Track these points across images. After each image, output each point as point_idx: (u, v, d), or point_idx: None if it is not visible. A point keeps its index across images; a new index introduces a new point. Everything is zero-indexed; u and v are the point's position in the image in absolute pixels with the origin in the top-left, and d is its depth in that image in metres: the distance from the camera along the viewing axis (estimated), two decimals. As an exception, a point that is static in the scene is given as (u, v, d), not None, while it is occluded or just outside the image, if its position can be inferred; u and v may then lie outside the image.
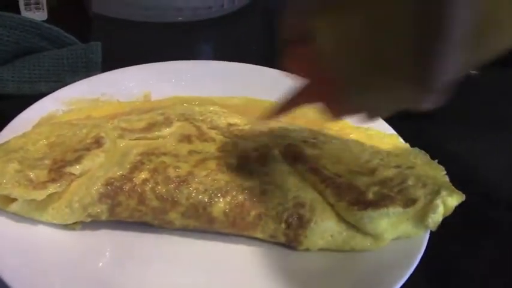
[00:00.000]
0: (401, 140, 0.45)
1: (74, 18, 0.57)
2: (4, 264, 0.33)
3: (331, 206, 0.37)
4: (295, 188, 0.37)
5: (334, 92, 0.29)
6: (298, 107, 0.34)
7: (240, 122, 0.44)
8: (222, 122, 0.44)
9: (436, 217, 0.35)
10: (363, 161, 0.40)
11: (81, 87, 0.47)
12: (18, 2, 0.51)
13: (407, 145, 0.44)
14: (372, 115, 0.31)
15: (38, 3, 0.51)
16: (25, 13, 0.51)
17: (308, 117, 0.48)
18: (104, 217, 0.36)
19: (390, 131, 0.46)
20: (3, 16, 0.50)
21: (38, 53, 0.52)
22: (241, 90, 0.50)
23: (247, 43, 0.69)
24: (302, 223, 0.36)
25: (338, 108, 0.31)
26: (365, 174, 0.38)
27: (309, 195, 0.37)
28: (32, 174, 0.35)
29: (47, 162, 0.37)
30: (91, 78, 0.49)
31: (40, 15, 0.52)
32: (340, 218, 0.36)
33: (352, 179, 0.38)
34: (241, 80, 0.51)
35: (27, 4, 0.51)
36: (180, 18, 0.67)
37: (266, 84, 0.51)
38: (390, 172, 0.38)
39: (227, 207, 0.36)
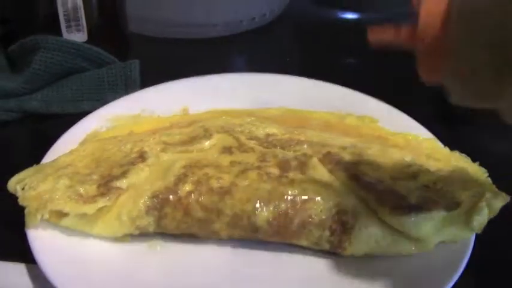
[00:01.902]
0: (440, 143, 0.45)
1: (112, 38, 0.59)
2: (58, 275, 0.34)
3: (374, 211, 0.37)
4: (337, 195, 0.38)
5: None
6: (393, 42, 0.33)
7: (278, 132, 0.45)
8: (260, 132, 0.44)
9: (481, 219, 0.35)
10: (403, 166, 0.40)
11: (123, 104, 0.49)
12: (59, 24, 0.52)
13: (447, 149, 0.44)
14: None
15: (78, 25, 0.53)
16: (66, 35, 0.53)
17: (345, 125, 0.48)
18: (151, 229, 0.37)
19: (428, 135, 0.46)
20: (46, 39, 0.52)
21: (80, 73, 0.54)
22: (277, 101, 0.51)
23: (280, 55, 0.69)
24: (346, 229, 0.36)
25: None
26: (406, 179, 0.38)
27: (351, 201, 0.37)
28: (82, 189, 0.37)
29: (95, 177, 0.38)
30: (131, 95, 0.51)
31: (80, 36, 0.54)
32: (384, 223, 0.36)
33: (393, 184, 0.38)
34: (277, 91, 0.52)
35: (68, 26, 0.53)
36: (213, 34, 0.68)
37: (301, 94, 0.52)
38: (432, 176, 0.38)
39: (270, 216, 0.36)
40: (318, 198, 0.37)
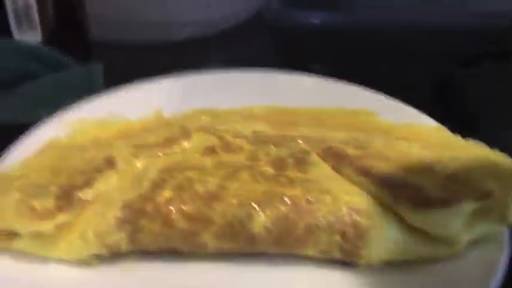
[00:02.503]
0: (449, 133, 0.40)
1: (71, 40, 0.53)
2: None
3: (391, 209, 0.31)
4: (345, 193, 0.32)
5: None
6: None
7: (267, 129, 0.39)
8: (247, 129, 0.39)
9: (517, 211, 0.30)
10: (416, 157, 0.35)
11: (85, 108, 0.42)
12: (9, 22, 0.46)
13: (460, 137, 0.38)
14: None
15: (31, 23, 0.46)
16: (17, 34, 0.46)
17: (338, 119, 0.43)
18: (124, 247, 0.31)
19: (434, 123, 0.41)
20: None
21: (33, 78, 0.48)
22: (259, 99, 0.45)
23: (255, 57, 0.64)
24: (360, 232, 0.30)
25: None
26: (422, 170, 0.33)
27: (363, 199, 0.31)
28: (36, 203, 0.30)
29: (52, 188, 0.32)
30: (96, 97, 0.44)
31: (33, 35, 0.47)
32: (404, 223, 0.31)
33: (408, 178, 0.32)
34: (257, 88, 0.46)
35: (18, 23, 0.46)
36: (183, 36, 0.62)
37: (285, 90, 0.47)
38: (451, 165, 0.33)
39: (269, 220, 0.30)
40: (325, 197, 0.31)
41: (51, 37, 0.49)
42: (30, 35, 0.47)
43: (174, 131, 0.38)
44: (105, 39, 0.58)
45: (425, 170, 0.33)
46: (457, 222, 0.30)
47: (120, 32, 0.60)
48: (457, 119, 0.47)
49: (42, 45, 0.47)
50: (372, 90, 0.45)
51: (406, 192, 0.31)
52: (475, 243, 0.31)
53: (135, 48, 0.60)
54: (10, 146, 0.38)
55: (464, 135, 0.38)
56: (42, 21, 0.48)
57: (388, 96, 0.44)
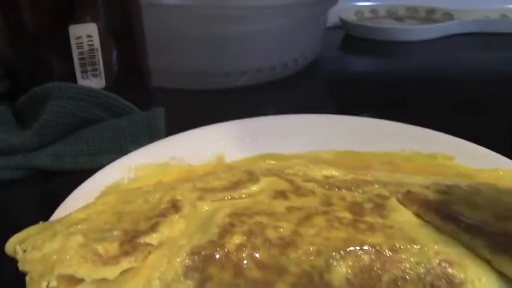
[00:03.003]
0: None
1: (132, 87, 0.53)
2: None
3: (486, 260, 0.28)
4: (433, 242, 0.29)
5: None
6: None
7: (338, 173, 0.37)
8: (317, 174, 0.36)
9: None
10: (506, 203, 0.31)
11: (147, 153, 0.41)
12: (74, 69, 0.46)
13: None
14: None
15: (95, 70, 0.47)
16: (82, 81, 0.47)
17: (414, 164, 0.40)
18: (191, 297, 0.28)
19: (517, 168, 0.37)
20: (58, 86, 0.46)
21: (96, 124, 0.47)
22: (326, 143, 0.43)
23: (311, 102, 0.63)
24: (454, 286, 0.27)
25: None
26: (519, 218, 0.30)
27: (455, 249, 0.28)
28: (100, 248, 0.28)
29: (116, 233, 0.30)
30: (157, 142, 0.43)
31: (98, 82, 0.47)
32: (502, 275, 0.27)
33: (502, 225, 0.29)
34: (325, 132, 0.44)
35: (83, 72, 0.46)
36: (240, 83, 0.61)
37: (354, 133, 0.44)
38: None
39: (350, 271, 0.27)
40: (412, 246, 0.28)
41: (114, 83, 0.49)
42: (94, 81, 0.47)
43: (240, 175, 0.36)
44: (165, 86, 0.58)
45: (523, 217, 0.29)
46: None
47: (179, 80, 0.60)
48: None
49: (105, 91, 0.47)
50: (449, 135, 0.42)
51: (503, 241, 0.28)
52: None
53: (194, 94, 0.59)
54: (73, 190, 0.37)
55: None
56: (106, 68, 0.48)
57: (466, 141, 0.41)
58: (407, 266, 0.27)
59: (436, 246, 0.28)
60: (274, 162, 0.41)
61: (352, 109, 0.56)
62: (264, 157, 0.42)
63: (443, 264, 0.27)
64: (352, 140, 0.43)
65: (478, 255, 0.28)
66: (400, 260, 0.28)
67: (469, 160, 0.39)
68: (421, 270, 0.27)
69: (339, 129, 0.44)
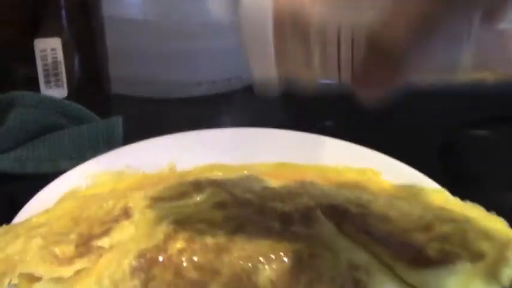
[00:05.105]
0: (449, 194, 0.42)
1: (93, 96, 0.56)
2: None
3: (390, 267, 0.33)
4: (346, 249, 0.34)
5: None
6: None
7: (275, 185, 0.41)
8: (256, 186, 0.41)
9: (510, 271, 0.31)
10: (415, 218, 0.37)
11: (104, 161, 0.45)
12: (38, 79, 0.49)
13: (458, 199, 0.40)
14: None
15: (58, 80, 0.50)
16: (45, 90, 0.50)
17: (345, 178, 0.45)
18: (136, 294, 0.33)
19: (436, 187, 0.43)
20: (22, 95, 0.49)
21: (58, 130, 0.51)
22: (269, 156, 0.48)
23: (265, 114, 0.67)
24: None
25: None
26: (420, 230, 0.35)
27: (362, 256, 0.33)
28: (57, 250, 0.32)
29: (72, 237, 0.34)
30: (113, 151, 0.47)
31: (60, 92, 0.51)
32: (402, 281, 0.32)
33: (407, 237, 0.34)
34: (268, 145, 0.49)
35: (47, 82, 0.50)
36: (198, 93, 0.66)
37: (295, 147, 0.49)
38: (448, 227, 0.35)
39: (273, 274, 0.32)
40: (326, 253, 0.33)
41: (75, 92, 0.53)
42: (57, 91, 0.50)
43: (187, 186, 0.40)
44: (124, 93, 0.61)
45: (423, 230, 0.35)
46: (451, 282, 0.31)
47: (139, 88, 0.63)
48: (461, 181, 0.49)
49: (67, 100, 0.51)
50: (376, 151, 0.47)
51: (406, 251, 0.33)
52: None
53: (152, 103, 0.63)
54: (34, 194, 0.40)
55: (465, 197, 0.40)
56: (68, 78, 0.51)
57: (391, 158, 0.47)
58: (322, 269, 0.32)
59: (348, 254, 0.33)
60: (221, 173, 0.45)
61: (307, 120, 0.60)
62: (212, 167, 0.46)
63: (351, 269, 0.32)
64: (293, 153, 0.48)
65: (384, 263, 0.33)
66: (316, 264, 0.33)
67: (392, 177, 0.44)
68: (333, 273, 0.32)
69: (281, 142, 0.49)
